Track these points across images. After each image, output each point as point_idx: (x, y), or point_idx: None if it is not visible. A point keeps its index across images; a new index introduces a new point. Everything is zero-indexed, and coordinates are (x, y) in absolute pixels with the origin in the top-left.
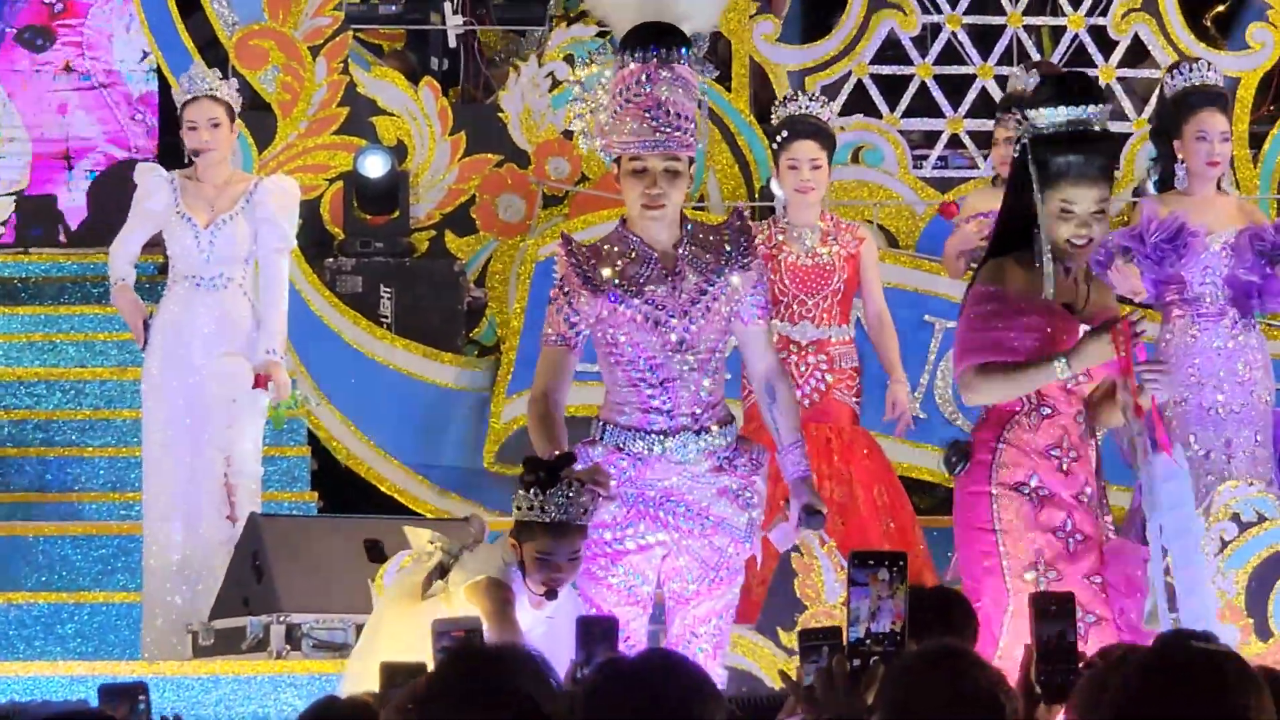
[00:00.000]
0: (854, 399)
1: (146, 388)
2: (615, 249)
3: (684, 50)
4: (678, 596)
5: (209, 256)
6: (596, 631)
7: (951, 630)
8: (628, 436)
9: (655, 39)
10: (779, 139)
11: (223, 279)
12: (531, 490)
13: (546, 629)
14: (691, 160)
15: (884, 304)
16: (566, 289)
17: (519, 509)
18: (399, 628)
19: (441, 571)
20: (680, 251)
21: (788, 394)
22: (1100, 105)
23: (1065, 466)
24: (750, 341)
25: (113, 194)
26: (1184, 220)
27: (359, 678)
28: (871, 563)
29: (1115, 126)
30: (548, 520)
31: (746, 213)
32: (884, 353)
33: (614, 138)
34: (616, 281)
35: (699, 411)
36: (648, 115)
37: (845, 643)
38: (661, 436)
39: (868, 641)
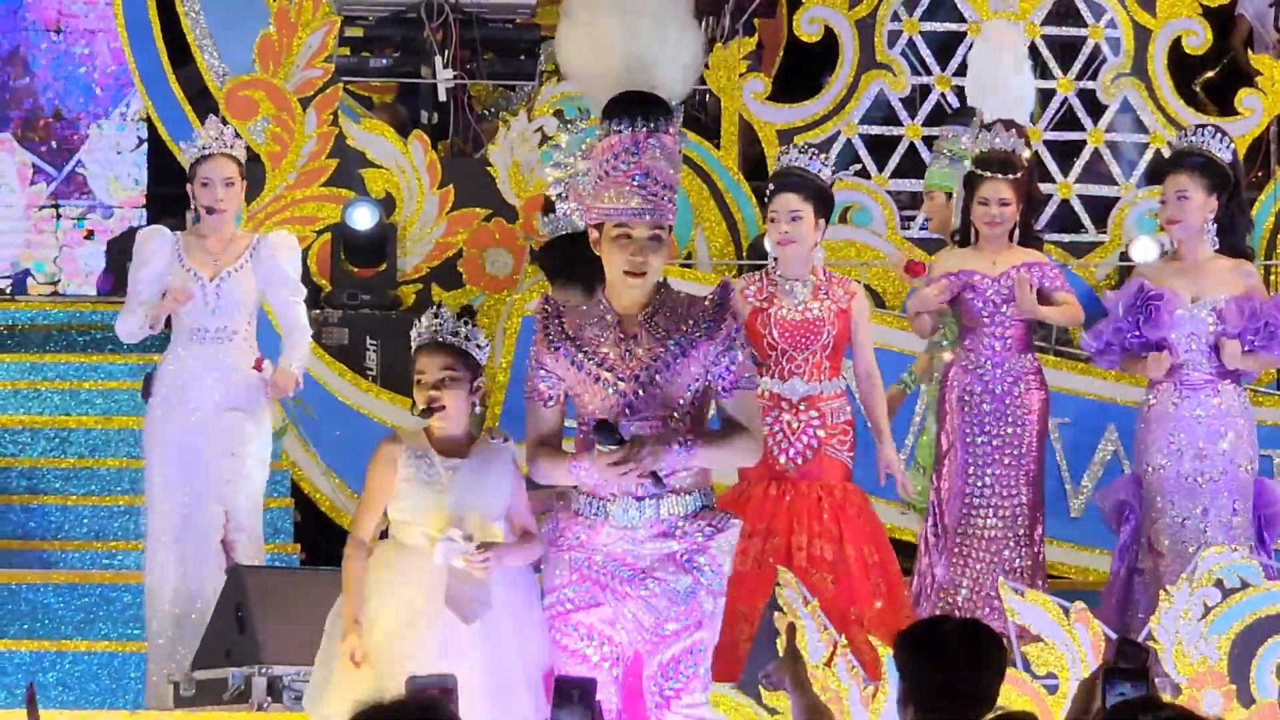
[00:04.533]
0: (847, 454)
1: (148, 439)
2: (585, 310)
3: (668, 119)
4: (626, 660)
5: (214, 309)
6: (572, 693)
7: (980, 661)
8: (582, 501)
9: (641, 108)
10: (767, 192)
11: (227, 332)
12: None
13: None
14: (670, 228)
15: (873, 362)
16: (535, 346)
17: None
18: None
19: None
20: (641, 317)
21: (728, 431)
22: None
23: None
24: (721, 417)
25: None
26: (1141, 281)
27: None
28: None
29: (1103, 190)
30: (419, 342)
31: (733, 272)
32: (871, 412)
33: (598, 205)
34: (574, 342)
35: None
36: (634, 184)
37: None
38: (605, 501)
39: None
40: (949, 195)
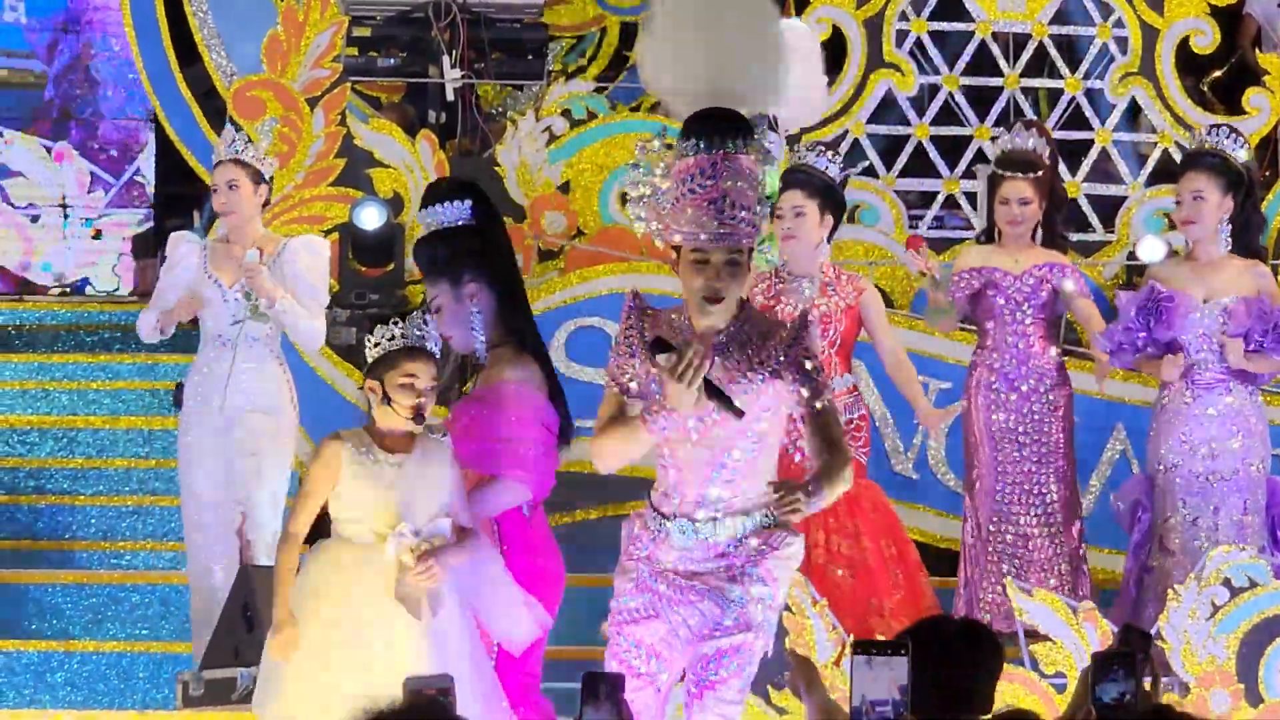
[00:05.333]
0: (861, 450)
1: (180, 444)
2: (667, 323)
3: (747, 140)
4: (674, 677)
5: (235, 314)
6: (601, 689)
7: (979, 661)
8: (650, 515)
9: (719, 130)
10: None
11: (249, 338)
12: (390, 322)
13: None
14: (751, 251)
15: (895, 343)
16: (617, 344)
17: (376, 345)
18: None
19: None
20: (716, 341)
21: (827, 465)
22: None
23: None
24: (809, 431)
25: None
26: (1153, 283)
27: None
28: (874, 650)
29: (1110, 190)
30: (406, 345)
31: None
32: (904, 387)
33: (674, 227)
34: (648, 365)
35: (706, 500)
36: (711, 207)
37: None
38: (667, 519)
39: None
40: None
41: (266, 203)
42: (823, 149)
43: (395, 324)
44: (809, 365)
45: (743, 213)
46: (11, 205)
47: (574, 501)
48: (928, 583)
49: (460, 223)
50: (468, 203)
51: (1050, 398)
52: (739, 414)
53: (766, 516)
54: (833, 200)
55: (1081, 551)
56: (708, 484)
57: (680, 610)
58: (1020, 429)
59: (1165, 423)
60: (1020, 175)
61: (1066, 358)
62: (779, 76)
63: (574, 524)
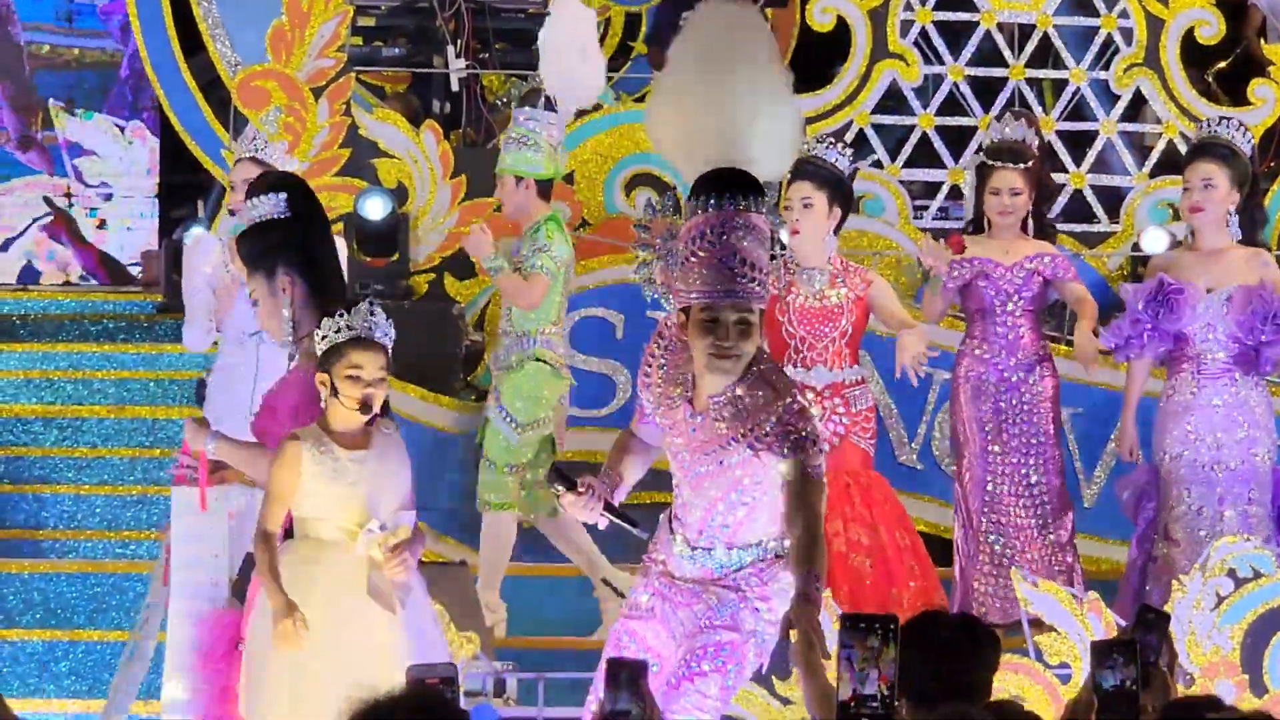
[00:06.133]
0: (869, 441)
1: None
2: (685, 363)
3: (758, 199)
4: (665, 666)
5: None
6: (622, 675)
7: (975, 654)
8: (666, 522)
9: (730, 188)
10: (784, 181)
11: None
12: (336, 314)
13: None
14: (763, 312)
15: (906, 315)
16: (644, 360)
17: (323, 338)
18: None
19: None
20: (713, 401)
21: (796, 539)
22: None
23: None
24: (785, 495)
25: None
26: (1162, 276)
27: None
28: (862, 626)
29: (1116, 181)
30: (353, 335)
31: None
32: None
33: (683, 286)
34: (659, 391)
35: (707, 533)
36: (722, 265)
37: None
38: (676, 537)
39: (854, 705)
40: (518, 179)
41: None
42: (832, 141)
43: (341, 315)
44: (800, 434)
45: (754, 271)
46: (85, 184)
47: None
48: (936, 574)
49: (276, 216)
50: (283, 196)
51: (1038, 388)
52: (640, 531)
53: (763, 550)
54: (841, 192)
55: (1070, 540)
56: (708, 520)
57: (678, 612)
58: (1008, 420)
59: (1171, 413)
60: (1010, 165)
61: (1069, 347)
62: (790, 136)
63: None
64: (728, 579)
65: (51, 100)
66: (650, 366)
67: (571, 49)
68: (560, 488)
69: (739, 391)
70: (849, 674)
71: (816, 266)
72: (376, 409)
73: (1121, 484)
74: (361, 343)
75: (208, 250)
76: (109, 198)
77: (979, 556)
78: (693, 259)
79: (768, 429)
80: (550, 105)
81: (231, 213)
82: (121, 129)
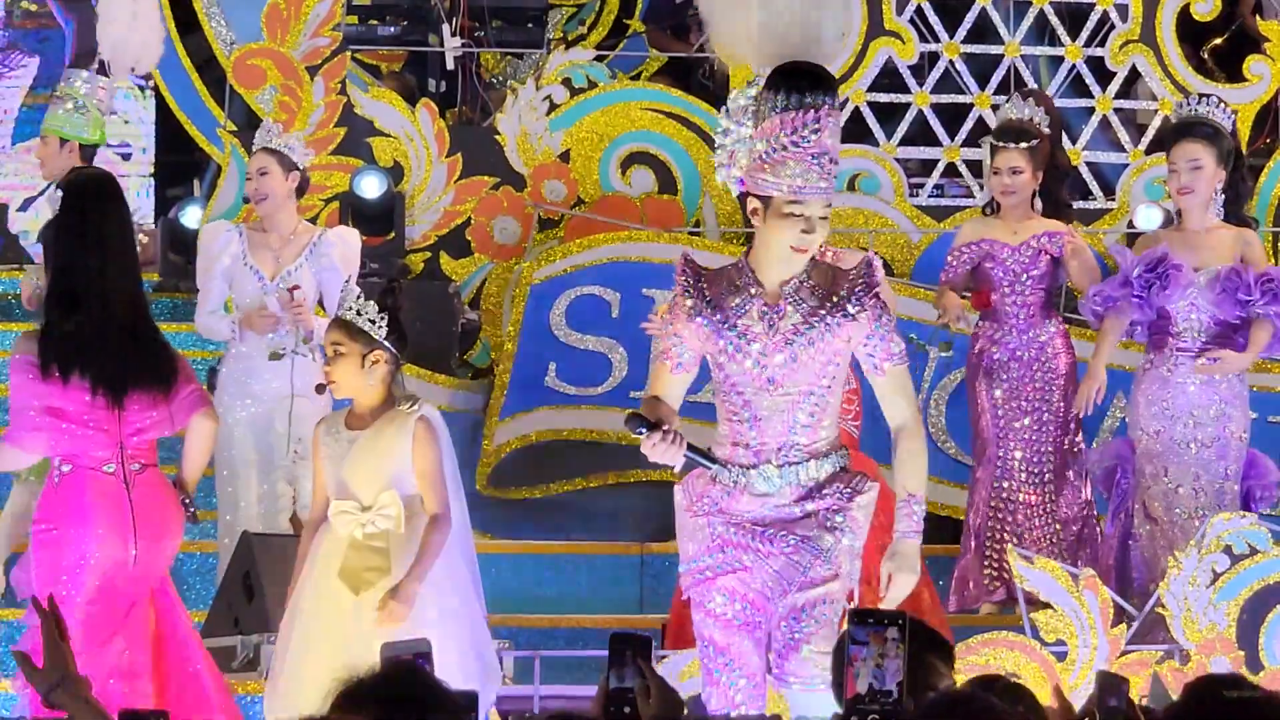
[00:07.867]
0: (853, 422)
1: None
2: (727, 279)
3: (836, 95)
4: (769, 623)
5: (276, 345)
6: (627, 650)
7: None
8: (720, 471)
9: (817, 85)
10: None
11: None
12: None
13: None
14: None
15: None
16: (673, 311)
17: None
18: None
19: None
20: (786, 289)
21: (907, 448)
22: None
23: None
24: (879, 392)
25: None
26: (1165, 251)
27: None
28: (871, 620)
29: (1112, 157)
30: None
31: (740, 240)
32: None
33: (771, 178)
34: (716, 311)
35: (787, 446)
36: (814, 161)
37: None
38: (745, 470)
39: (867, 699)
40: (63, 141)
41: (302, 190)
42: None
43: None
44: (882, 314)
45: (834, 167)
46: (106, 145)
47: (577, 470)
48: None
49: (56, 210)
50: (58, 192)
51: (1053, 365)
52: (719, 469)
53: (841, 458)
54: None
55: (1090, 518)
56: (789, 430)
57: (770, 561)
58: (1023, 399)
59: (1147, 389)
60: (1012, 145)
61: (1066, 325)
62: (850, 27)
63: (575, 492)
64: (816, 505)
65: None
66: (678, 310)
67: (123, 13)
68: (644, 430)
69: (811, 276)
70: (866, 669)
71: None
72: (341, 384)
73: (1096, 457)
74: (334, 322)
75: (228, 241)
76: (127, 157)
77: (996, 535)
78: (783, 152)
79: (844, 292)
80: (104, 69)
81: (246, 200)
82: (142, 88)
